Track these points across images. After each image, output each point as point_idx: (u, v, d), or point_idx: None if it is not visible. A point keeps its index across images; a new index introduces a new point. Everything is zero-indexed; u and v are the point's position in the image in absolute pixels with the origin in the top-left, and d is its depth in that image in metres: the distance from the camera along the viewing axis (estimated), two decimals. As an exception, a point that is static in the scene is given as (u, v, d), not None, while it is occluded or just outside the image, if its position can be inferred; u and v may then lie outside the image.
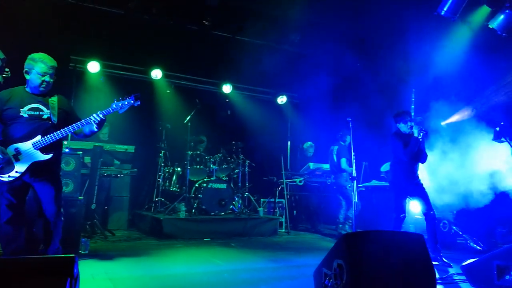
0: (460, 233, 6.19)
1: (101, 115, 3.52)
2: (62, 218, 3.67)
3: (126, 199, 7.44)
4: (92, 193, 6.15)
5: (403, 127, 5.29)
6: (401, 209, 5.21)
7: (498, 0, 6.31)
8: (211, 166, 7.66)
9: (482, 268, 3.68)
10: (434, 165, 6.41)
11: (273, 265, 4.81)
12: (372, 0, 6.83)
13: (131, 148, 7.43)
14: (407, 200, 5.36)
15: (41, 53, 3.53)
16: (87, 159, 6.63)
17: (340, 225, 6.90)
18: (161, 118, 8.36)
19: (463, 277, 3.89)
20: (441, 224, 6.16)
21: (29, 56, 3.51)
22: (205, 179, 7.43)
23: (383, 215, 6.81)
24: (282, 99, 10.06)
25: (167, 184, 7.68)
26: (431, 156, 6.36)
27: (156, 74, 8.57)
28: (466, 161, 6.19)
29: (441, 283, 3.90)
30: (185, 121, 7.89)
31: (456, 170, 6.22)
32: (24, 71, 3.50)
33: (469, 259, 3.84)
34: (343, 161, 6.90)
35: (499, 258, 3.61)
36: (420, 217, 6.40)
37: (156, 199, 7.45)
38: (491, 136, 5.46)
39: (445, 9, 6.21)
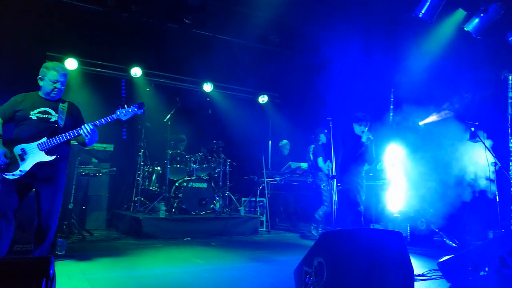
0: (437, 230, 6.33)
1: (103, 122, 3.73)
2: (56, 223, 3.70)
3: (104, 198, 7.32)
4: (69, 192, 6.04)
5: (356, 129, 5.72)
6: (358, 203, 5.52)
7: (473, 4, 6.49)
8: (192, 165, 7.60)
9: (457, 264, 3.78)
10: (412, 163, 6.54)
11: (254, 264, 4.82)
12: (351, 2, 6.91)
13: (109, 147, 7.31)
14: (361, 193, 5.63)
15: (55, 62, 3.80)
16: (64, 158, 6.48)
17: (314, 225, 6.98)
18: (141, 116, 8.19)
19: (439, 273, 3.98)
20: (419, 222, 6.28)
21: (44, 64, 3.75)
22: (185, 178, 7.37)
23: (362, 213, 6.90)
24: (263, 99, 10.08)
25: (147, 183, 7.59)
26: (411, 154, 6.49)
27: (136, 72, 8.44)
28: (443, 160, 6.33)
29: (418, 279, 3.98)
30: (165, 120, 7.81)
31: (433, 169, 6.35)
32: (38, 77, 3.71)
33: (445, 256, 3.94)
34: (320, 160, 6.99)
35: (474, 255, 3.72)
36: (398, 215, 6.53)
37: (136, 199, 7.35)
38: (467, 135, 5.61)
39: (422, 11, 6.36)
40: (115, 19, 7.36)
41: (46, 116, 3.65)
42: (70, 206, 5.97)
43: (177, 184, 7.33)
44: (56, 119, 3.67)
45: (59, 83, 3.72)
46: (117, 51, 8.04)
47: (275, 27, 8.15)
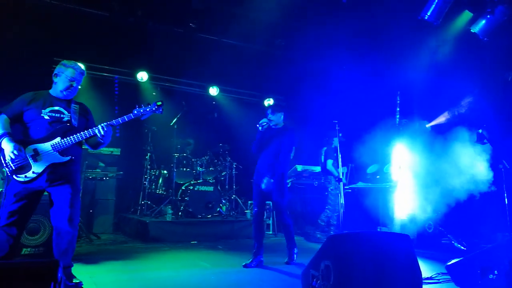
0: (445, 232, 6.27)
1: (120, 121, 3.55)
2: (77, 229, 3.52)
3: (111, 202, 7.35)
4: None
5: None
6: (255, 204, 4.99)
7: (479, 6, 6.45)
8: (198, 168, 7.62)
9: (466, 267, 3.74)
10: (419, 166, 6.49)
11: (261, 267, 4.80)
12: (357, 4, 6.90)
13: (116, 151, 7.34)
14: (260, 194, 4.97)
15: (73, 61, 3.62)
16: (72, 162, 6.52)
17: (318, 231, 6.98)
18: (147, 120, 8.25)
19: (448, 277, 3.95)
20: (426, 225, 6.24)
21: (61, 62, 3.59)
22: (191, 182, 7.39)
23: (369, 216, 6.88)
24: (269, 102, 10.09)
25: (153, 187, 7.62)
26: (418, 157, 6.45)
27: (142, 76, 8.50)
28: (451, 162, 6.29)
29: (426, 283, 3.95)
30: (171, 124, 7.84)
31: (440, 171, 6.31)
32: (53, 74, 3.54)
33: (454, 259, 3.90)
34: (329, 163, 6.98)
35: (483, 258, 3.68)
36: (406, 218, 6.48)
37: (142, 202, 7.38)
38: (475, 138, 5.57)
39: (428, 13, 6.32)
40: (121, 24, 7.40)
41: (59, 115, 3.46)
42: (78, 209, 5.99)
43: (183, 188, 7.35)
44: (69, 118, 3.48)
45: (76, 81, 3.54)
46: (123, 56, 8.09)
47: (281, 30, 8.15)
